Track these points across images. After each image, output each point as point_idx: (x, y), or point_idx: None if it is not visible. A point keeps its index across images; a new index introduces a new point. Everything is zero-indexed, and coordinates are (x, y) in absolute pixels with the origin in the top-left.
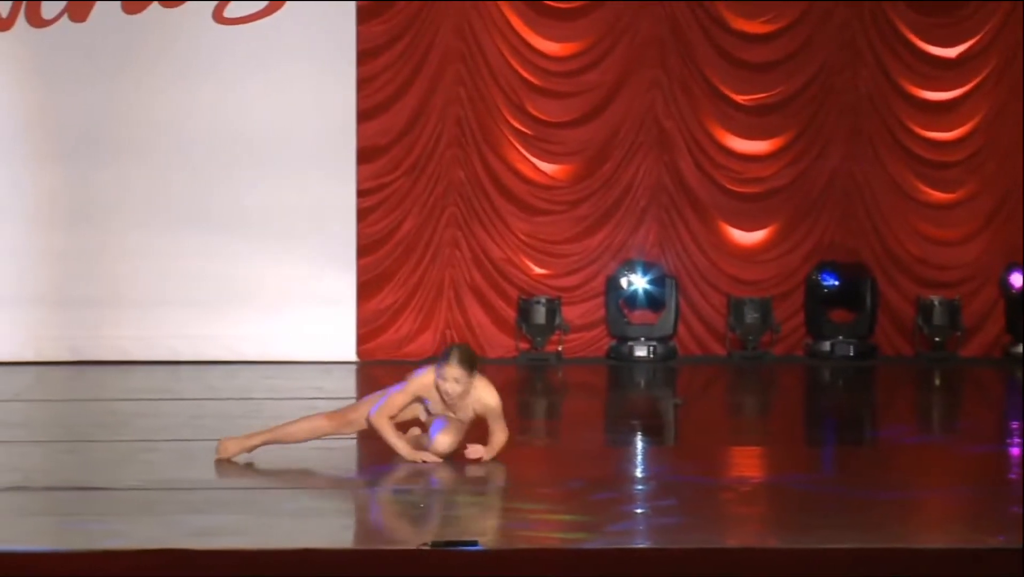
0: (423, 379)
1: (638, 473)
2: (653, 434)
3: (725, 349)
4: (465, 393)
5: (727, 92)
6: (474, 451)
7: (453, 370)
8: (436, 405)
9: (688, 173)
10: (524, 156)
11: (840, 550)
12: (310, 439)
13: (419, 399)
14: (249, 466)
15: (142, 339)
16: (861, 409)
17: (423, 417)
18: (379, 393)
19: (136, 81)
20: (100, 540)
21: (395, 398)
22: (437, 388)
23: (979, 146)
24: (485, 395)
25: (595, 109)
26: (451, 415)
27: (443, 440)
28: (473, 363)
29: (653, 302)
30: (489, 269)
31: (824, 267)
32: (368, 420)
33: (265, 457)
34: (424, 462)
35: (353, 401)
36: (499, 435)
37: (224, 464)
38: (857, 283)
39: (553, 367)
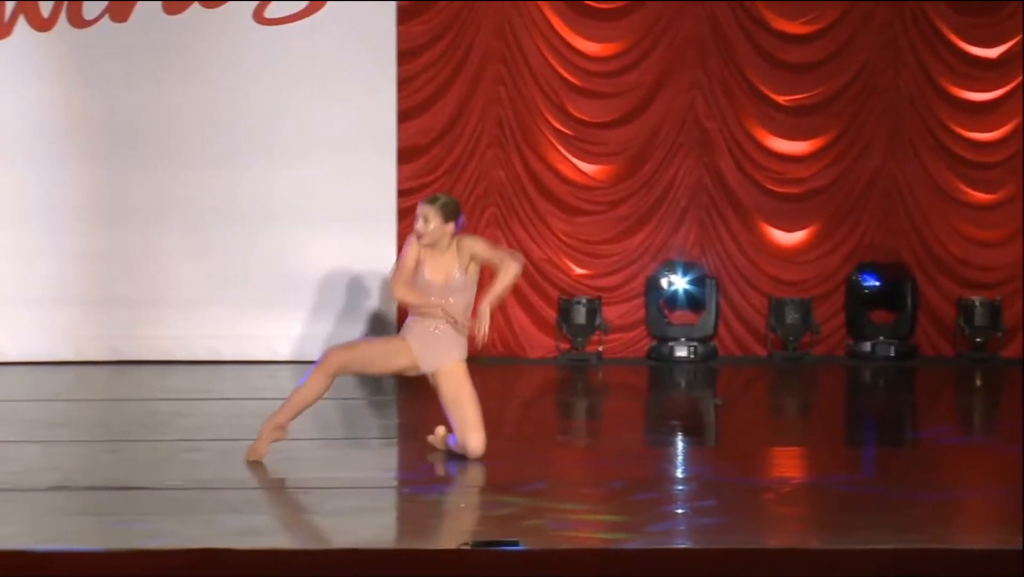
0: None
1: (679, 473)
2: (694, 435)
3: (766, 350)
4: (435, 236)
5: (768, 92)
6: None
7: (425, 208)
8: (433, 271)
9: (728, 174)
10: (564, 156)
11: (881, 551)
12: (326, 390)
13: (419, 262)
14: (290, 465)
15: (182, 339)
16: (902, 410)
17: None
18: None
19: (176, 81)
20: (141, 540)
21: (401, 262)
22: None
23: (1020, 146)
24: (468, 239)
25: (635, 109)
26: (453, 278)
27: (475, 441)
28: (448, 209)
29: (693, 303)
30: (530, 269)
31: (865, 268)
32: (393, 295)
33: (306, 456)
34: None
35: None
36: (508, 261)
37: (260, 465)
38: (898, 284)
39: (594, 367)
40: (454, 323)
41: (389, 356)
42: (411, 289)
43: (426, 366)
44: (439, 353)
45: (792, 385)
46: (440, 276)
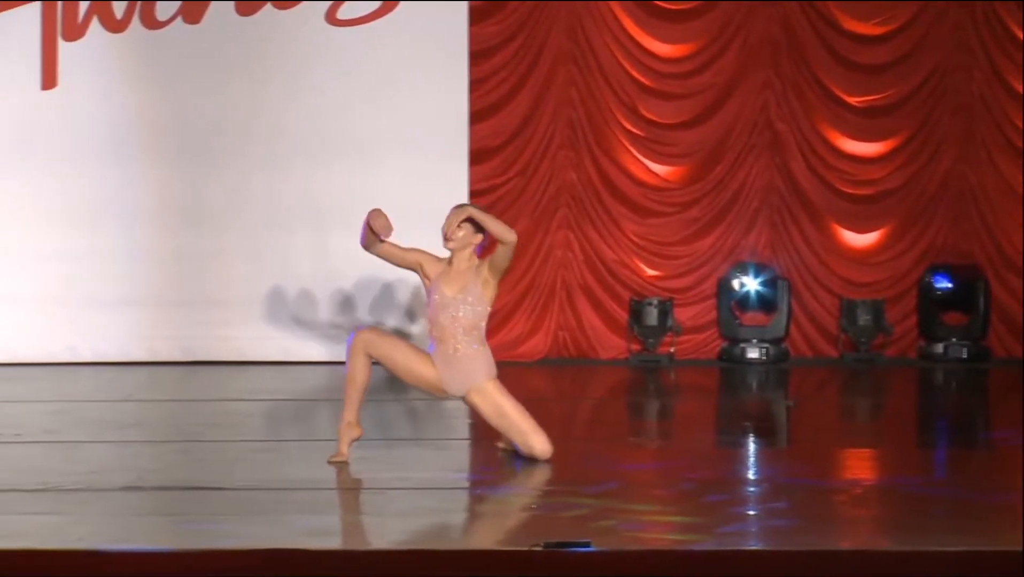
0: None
1: (750, 475)
2: (765, 436)
3: (837, 351)
4: (463, 243)
5: (839, 94)
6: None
7: (458, 212)
8: (448, 284)
9: (800, 175)
10: (636, 158)
11: (952, 553)
12: (368, 369)
13: (420, 265)
14: (361, 466)
15: (253, 339)
16: (974, 412)
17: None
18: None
19: (248, 82)
20: (213, 540)
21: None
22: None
23: None
24: (486, 261)
25: (707, 111)
26: (466, 290)
27: (540, 445)
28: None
29: (765, 304)
30: (601, 271)
31: (937, 269)
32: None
33: (376, 457)
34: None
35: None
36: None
37: (333, 466)
38: (970, 285)
39: (665, 368)
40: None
41: (412, 359)
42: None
43: (454, 390)
44: (465, 376)
45: (864, 387)
46: (453, 289)
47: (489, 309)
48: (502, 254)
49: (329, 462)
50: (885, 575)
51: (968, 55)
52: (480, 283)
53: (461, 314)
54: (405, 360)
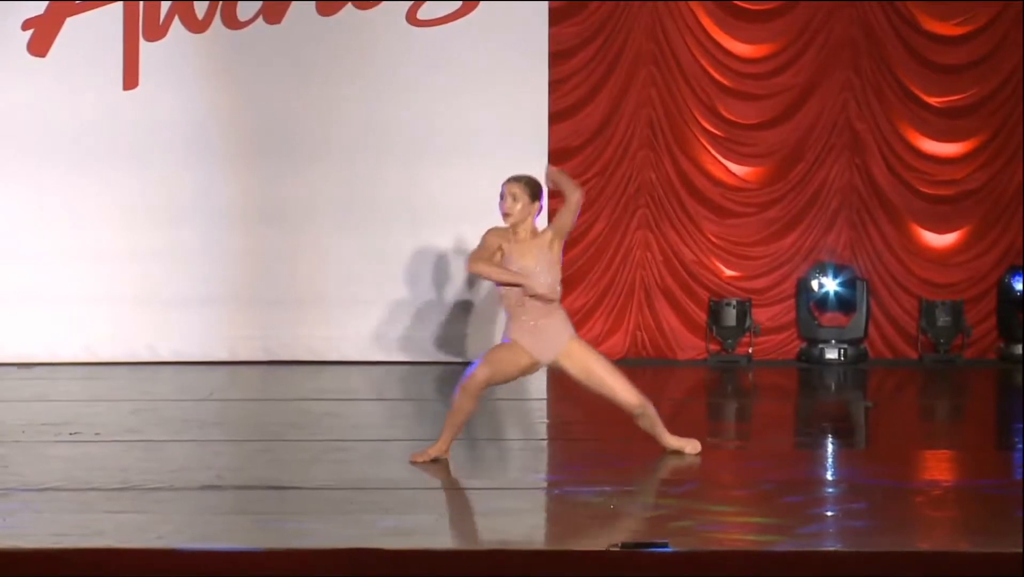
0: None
1: (828, 476)
2: (843, 437)
3: (916, 352)
4: (523, 215)
5: (919, 94)
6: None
7: (513, 186)
8: (521, 256)
9: (880, 175)
10: (715, 158)
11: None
12: (475, 408)
13: (500, 248)
14: (440, 466)
15: (334, 339)
16: None
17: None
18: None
19: (328, 82)
20: (292, 539)
21: (482, 243)
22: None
23: None
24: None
25: (787, 111)
26: (540, 259)
27: (631, 401)
28: (533, 187)
29: (844, 304)
30: (679, 271)
31: (1016, 270)
32: (469, 268)
33: (456, 457)
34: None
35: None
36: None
37: (412, 465)
38: None
39: (743, 369)
40: (542, 297)
41: (515, 360)
42: (490, 263)
43: (544, 358)
44: (550, 343)
45: (943, 388)
46: (529, 260)
47: (559, 265)
48: (567, 217)
49: (411, 461)
50: (963, 576)
51: None
52: (547, 248)
53: (542, 280)
54: (513, 366)
